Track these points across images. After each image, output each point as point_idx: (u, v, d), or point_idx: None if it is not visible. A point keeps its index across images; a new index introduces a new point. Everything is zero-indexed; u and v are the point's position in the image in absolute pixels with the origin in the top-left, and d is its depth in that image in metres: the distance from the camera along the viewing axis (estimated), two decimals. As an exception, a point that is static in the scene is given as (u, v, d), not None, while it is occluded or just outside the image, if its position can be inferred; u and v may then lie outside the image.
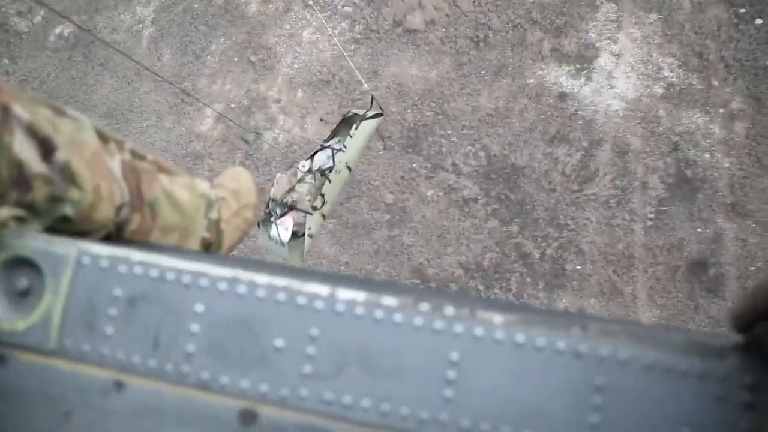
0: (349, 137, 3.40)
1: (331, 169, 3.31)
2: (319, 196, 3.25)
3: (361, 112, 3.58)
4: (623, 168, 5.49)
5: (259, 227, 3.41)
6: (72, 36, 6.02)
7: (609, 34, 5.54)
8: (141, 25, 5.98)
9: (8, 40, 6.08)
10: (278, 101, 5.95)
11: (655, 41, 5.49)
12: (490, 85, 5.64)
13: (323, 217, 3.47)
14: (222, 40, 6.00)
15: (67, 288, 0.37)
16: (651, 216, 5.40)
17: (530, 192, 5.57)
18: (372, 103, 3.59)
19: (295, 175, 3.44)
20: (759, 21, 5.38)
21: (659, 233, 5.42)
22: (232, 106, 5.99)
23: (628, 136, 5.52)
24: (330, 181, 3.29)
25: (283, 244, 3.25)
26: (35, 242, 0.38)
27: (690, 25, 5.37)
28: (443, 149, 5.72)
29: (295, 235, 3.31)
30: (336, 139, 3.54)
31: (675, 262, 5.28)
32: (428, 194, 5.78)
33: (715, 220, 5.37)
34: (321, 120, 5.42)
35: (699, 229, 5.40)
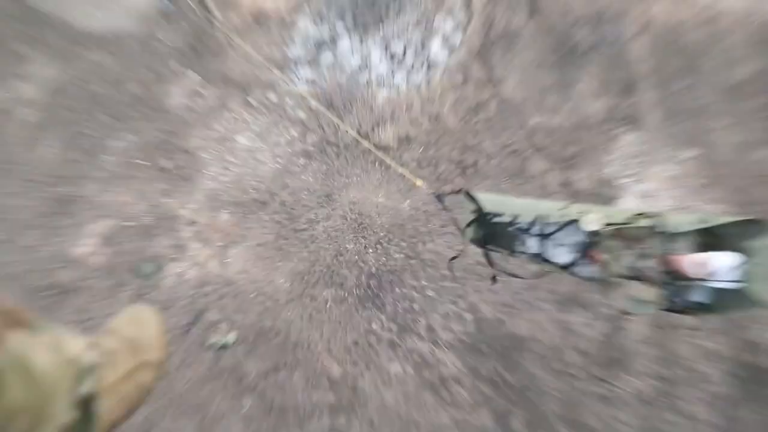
0: (515, 220, 2.59)
1: (595, 233, 2.42)
2: (635, 220, 2.38)
3: (470, 213, 2.70)
4: (663, 349, 4.36)
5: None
6: None
7: (632, 171, 4.63)
8: (16, 104, 4.84)
9: None
10: (193, 223, 4.70)
11: (692, 184, 4.60)
12: None
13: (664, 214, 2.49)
14: (128, 136, 4.82)
15: None
16: (716, 422, 4.15)
17: (535, 374, 4.23)
18: (440, 200, 2.84)
19: (602, 278, 2.44)
20: None
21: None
22: (128, 224, 4.65)
23: (664, 303, 4.48)
24: (597, 218, 2.46)
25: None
26: None
27: (734, 167, 4.60)
28: (415, 306, 4.46)
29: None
30: (520, 245, 2.61)
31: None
32: (391, 370, 4.43)
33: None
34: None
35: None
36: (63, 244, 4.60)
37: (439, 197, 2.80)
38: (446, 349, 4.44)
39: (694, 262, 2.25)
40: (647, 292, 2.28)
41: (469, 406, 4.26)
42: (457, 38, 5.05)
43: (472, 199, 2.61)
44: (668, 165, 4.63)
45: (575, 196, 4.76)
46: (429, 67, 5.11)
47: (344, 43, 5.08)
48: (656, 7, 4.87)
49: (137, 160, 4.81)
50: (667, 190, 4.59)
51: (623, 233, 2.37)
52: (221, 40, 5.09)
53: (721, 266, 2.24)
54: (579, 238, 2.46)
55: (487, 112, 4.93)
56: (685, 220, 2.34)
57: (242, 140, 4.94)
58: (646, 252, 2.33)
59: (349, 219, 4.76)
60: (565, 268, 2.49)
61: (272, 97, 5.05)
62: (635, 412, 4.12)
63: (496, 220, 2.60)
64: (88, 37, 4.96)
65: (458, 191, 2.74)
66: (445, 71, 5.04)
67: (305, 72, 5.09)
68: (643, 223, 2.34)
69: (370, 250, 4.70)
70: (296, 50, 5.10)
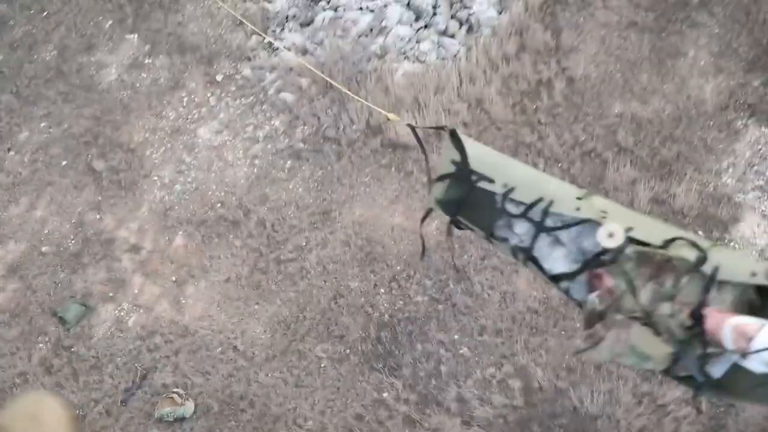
0: (510, 193, 2.24)
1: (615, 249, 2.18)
2: (673, 246, 2.09)
3: (450, 159, 2.35)
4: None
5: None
6: None
7: (761, 182, 4.24)
8: None
9: None
10: (136, 250, 4.45)
11: None
12: None
13: (719, 245, 2.41)
14: (42, 125, 4.57)
15: None
16: None
17: None
18: (416, 134, 2.51)
19: (596, 313, 2.14)
20: None
21: None
22: (44, 249, 4.41)
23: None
24: (631, 228, 2.12)
25: None
26: None
27: None
28: (442, 368, 4.17)
29: None
30: (500, 226, 2.31)
31: None
32: None
33: None
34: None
35: None
36: None
37: (416, 132, 2.57)
38: (483, 429, 3.99)
39: (738, 328, 1.89)
40: (655, 346, 2.06)
41: None
42: None
43: (458, 144, 2.38)
44: None
45: (674, 216, 4.58)
46: (470, 29, 4.74)
47: None
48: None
49: (58, 159, 4.50)
50: None
51: (653, 259, 2.11)
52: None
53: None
54: (589, 245, 2.20)
55: (551, 97, 4.56)
56: (746, 266, 2.11)
57: (204, 133, 4.66)
58: (678, 294, 2.06)
59: (353, 246, 4.40)
60: (554, 278, 2.28)
61: (246, 71, 4.76)
62: None
63: (481, 184, 2.32)
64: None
65: (441, 128, 2.47)
66: (492, 36, 4.70)
67: (293, 36, 4.79)
68: (685, 253, 2.09)
69: (382, 290, 4.35)
70: (279, 3, 4.80)
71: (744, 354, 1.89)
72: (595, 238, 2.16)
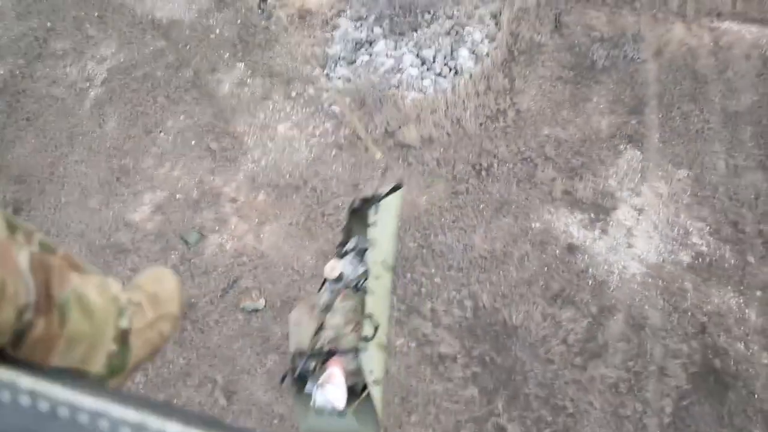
0: (371, 228, 2.84)
1: (365, 278, 2.74)
2: (366, 320, 2.61)
3: (372, 194, 3.06)
4: (638, 346, 5.04)
5: (294, 405, 2.62)
6: (0, 80, 5.77)
7: (631, 185, 5.24)
8: (88, 84, 5.66)
9: None
10: (234, 201, 5.46)
11: (684, 201, 5.11)
12: (488, 222, 5.22)
13: (383, 348, 2.70)
14: (182, 117, 5.58)
15: None
16: (669, 411, 4.95)
17: (522, 359, 4.92)
18: (386, 173, 3.24)
19: (314, 307, 2.78)
20: None
21: (677, 435, 4.96)
22: (178, 196, 5.43)
23: (646, 307, 5.18)
24: (371, 293, 2.69)
25: (340, 414, 2.54)
26: None
27: (724, 188, 5.27)
28: (422, 290, 5.16)
29: (353, 392, 2.60)
30: (353, 240, 2.98)
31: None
32: (396, 343, 5.33)
33: (750, 430, 4.95)
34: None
35: (729, 438, 4.97)
36: (122, 209, 5.45)
37: (385, 169, 3.31)
38: (446, 329, 5.17)
39: (329, 377, 2.48)
40: (304, 336, 2.61)
41: (460, 380, 5.05)
42: (484, 49, 5.69)
43: (390, 193, 2.92)
44: (663, 182, 5.28)
45: (577, 204, 5.45)
46: (456, 73, 5.76)
47: (380, 46, 5.74)
48: (671, 33, 5.48)
49: (189, 140, 5.60)
50: (660, 206, 5.31)
51: (355, 313, 2.68)
52: (269, 35, 5.88)
53: (330, 398, 2.44)
54: (346, 266, 2.89)
55: (504, 121, 5.58)
56: (375, 369, 2.51)
57: (281, 129, 5.65)
58: (339, 338, 2.59)
59: None
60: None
61: (311, 91, 5.76)
62: (603, 399, 4.95)
63: (370, 215, 2.91)
64: (152, 25, 5.77)
65: (399, 182, 3.09)
66: (470, 79, 5.69)
67: (342, 70, 5.78)
68: (367, 330, 2.56)
69: None
70: (335, 49, 5.78)
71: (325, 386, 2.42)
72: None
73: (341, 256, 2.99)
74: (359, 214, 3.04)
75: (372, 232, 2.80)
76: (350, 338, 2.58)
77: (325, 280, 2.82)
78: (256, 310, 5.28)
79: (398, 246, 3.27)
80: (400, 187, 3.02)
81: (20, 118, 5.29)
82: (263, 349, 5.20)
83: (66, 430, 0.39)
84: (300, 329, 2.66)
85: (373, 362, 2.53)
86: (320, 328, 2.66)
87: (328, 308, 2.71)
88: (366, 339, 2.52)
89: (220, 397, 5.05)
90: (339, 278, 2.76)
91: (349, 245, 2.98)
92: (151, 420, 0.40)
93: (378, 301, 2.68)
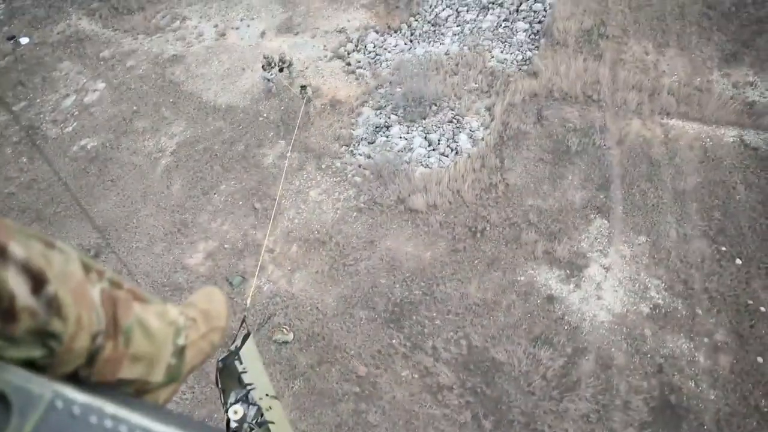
0: (244, 375, 3.40)
1: (261, 415, 3.25)
2: None
3: (230, 351, 3.57)
4: (606, 382, 5.89)
5: None
6: (94, 150, 7.10)
7: (600, 247, 6.17)
8: (161, 154, 7.00)
9: (34, 142, 7.16)
10: (271, 251, 6.41)
11: (644, 262, 6.09)
12: (481, 275, 6.16)
13: None
14: (233, 183, 6.67)
15: (30, 430, 0.37)
16: None
17: (508, 390, 5.72)
18: (240, 329, 3.69)
19: None
20: (738, 261, 6.09)
21: (640, 462, 5.73)
22: (226, 246, 6.41)
23: (612, 349, 6.08)
24: (271, 423, 3.23)
25: None
26: (13, 377, 0.40)
27: (676, 252, 6.32)
28: (425, 330, 6.02)
29: None
30: (233, 393, 3.47)
31: (656, 503, 5.49)
32: (402, 374, 6.05)
33: (700, 459, 5.71)
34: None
35: (683, 465, 5.72)
36: (180, 255, 6.55)
37: (243, 321, 3.77)
38: (444, 364, 5.96)
39: None
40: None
41: (456, 406, 5.91)
42: (480, 134, 6.95)
43: (243, 342, 3.39)
44: (626, 246, 6.35)
45: (556, 262, 6.49)
46: (456, 153, 6.86)
47: (395, 130, 7.01)
48: (630, 126, 6.73)
49: (237, 201, 6.70)
50: (623, 266, 6.35)
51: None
52: (306, 119, 7.23)
53: None
54: (242, 407, 3.32)
55: (496, 192, 6.66)
56: None
57: (312, 194, 6.76)
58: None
59: (384, 260, 6.39)
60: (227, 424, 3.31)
61: (338, 164, 6.91)
62: (577, 427, 5.80)
63: (237, 366, 3.37)
64: (213, 109, 7.14)
65: (245, 332, 3.56)
66: (468, 158, 6.81)
67: (364, 148, 6.95)
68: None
69: (397, 285, 6.31)
70: (359, 131, 7.12)
71: None
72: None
73: (230, 406, 3.41)
74: (226, 372, 3.49)
75: (247, 378, 3.27)
76: None
77: (228, 424, 3.24)
78: (286, 342, 6.11)
79: (267, 375, 3.63)
80: (249, 335, 3.52)
81: (107, 179, 6.51)
82: (291, 375, 6.09)
83: None
84: None
85: None
86: None
87: None
88: None
89: (253, 414, 5.90)
90: (243, 419, 3.26)
91: (231, 398, 3.41)
92: None
93: (281, 427, 3.11)
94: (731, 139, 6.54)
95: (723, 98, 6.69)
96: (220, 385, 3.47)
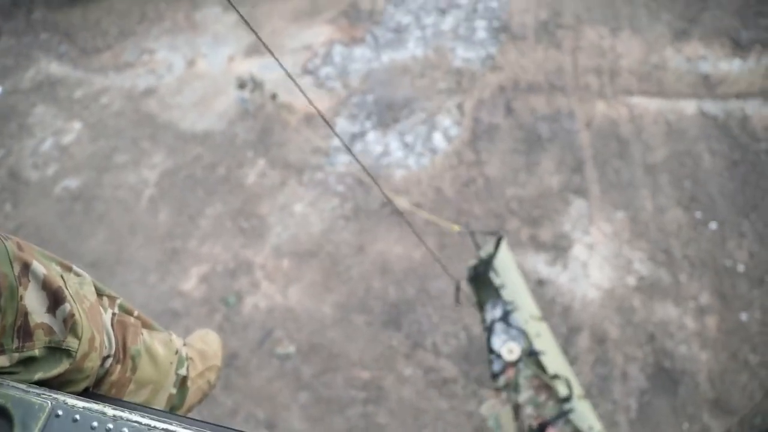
0: (502, 291, 2.70)
1: (528, 342, 2.58)
2: (555, 381, 2.42)
3: (480, 258, 2.82)
4: (603, 355, 6.10)
5: None
6: (77, 189, 7.02)
7: (582, 227, 6.32)
8: (144, 186, 7.00)
9: (15, 188, 7.07)
10: (263, 267, 6.44)
11: (625, 236, 6.21)
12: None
13: (585, 399, 2.52)
14: (218, 206, 6.73)
15: None
16: (634, 407, 5.86)
17: None
18: (473, 237, 2.96)
19: (499, 388, 2.59)
20: (713, 226, 6.31)
21: (644, 428, 5.83)
22: (218, 268, 6.45)
23: (605, 324, 6.22)
24: (542, 352, 2.53)
25: None
26: (13, 390, 0.37)
27: (654, 224, 6.47)
28: (423, 329, 6.09)
29: None
30: (488, 308, 2.82)
31: (664, 464, 5.59)
32: (405, 373, 5.95)
33: (700, 417, 5.82)
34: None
35: (685, 425, 5.83)
36: (174, 281, 6.50)
37: (473, 234, 2.99)
38: (446, 358, 6.04)
39: None
40: (509, 425, 2.33)
41: (461, 397, 5.97)
42: (453, 132, 6.99)
43: (497, 246, 2.62)
44: (606, 223, 6.46)
45: (541, 246, 6.58)
46: (433, 152, 7.04)
47: (371, 136, 7.08)
48: (596, 109, 6.88)
49: (225, 223, 6.75)
50: (606, 242, 6.45)
51: (541, 379, 2.36)
52: (282, 136, 7.24)
53: None
54: (517, 342, 2.52)
55: (475, 186, 6.80)
56: (590, 420, 2.32)
57: (298, 208, 6.84)
58: (541, 408, 2.32)
59: (375, 265, 6.44)
60: (490, 349, 2.60)
61: (319, 175, 7.03)
62: None
63: (491, 276, 2.61)
64: (192, 136, 7.12)
65: (494, 232, 2.95)
66: (444, 156, 6.98)
67: (342, 157, 7.11)
68: (561, 389, 2.32)
69: (391, 287, 6.37)
70: (336, 141, 7.14)
71: None
72: (521, 337, 2.44)
73: (490, 331, 2.82)
74: (480, 279, 2.85)
75: (506, 295, 2.66)
76: (550, 405, 2.41)
77: (492, 362, 2.67)
78: (288, 355, 6.15)
79: (530, 293, 2.95)
80: (501, 237, 2.79)
81: (93, 217, 6.45)
82: (296, 387, 6.06)
83: None
84: (500, 421, 2.44)
85: (586, 417, 2.37)
86: (516, 409, 2.48)
87: (511, 387, 2.50)
88: (566, 399, 2.38)
89: (262, 430, 5.89)
90: (519, 359, 2.58)
91: (488, 315, 2.84)
92: None
93: (553, 357, 2.56)
94: (692, 111, 6.72)
95: (679, 72, 6.89)
96: (476, 298, 2.83)
